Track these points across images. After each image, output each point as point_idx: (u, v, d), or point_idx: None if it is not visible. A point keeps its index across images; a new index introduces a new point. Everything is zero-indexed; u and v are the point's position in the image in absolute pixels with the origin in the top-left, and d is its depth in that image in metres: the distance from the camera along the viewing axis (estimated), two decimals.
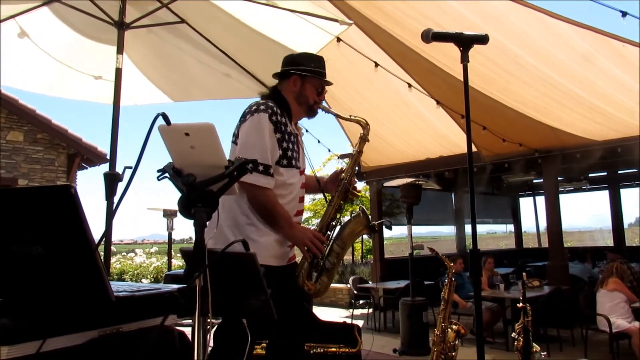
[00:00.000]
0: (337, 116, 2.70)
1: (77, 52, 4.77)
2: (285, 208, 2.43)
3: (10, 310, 1.52)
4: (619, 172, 11.61)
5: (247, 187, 2.28)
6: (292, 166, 2.47)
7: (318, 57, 2.69)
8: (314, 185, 2.76)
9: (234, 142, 2.43)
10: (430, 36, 2.19)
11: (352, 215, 2.60)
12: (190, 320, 1.54)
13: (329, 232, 2.50)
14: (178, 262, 13.14)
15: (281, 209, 2.37)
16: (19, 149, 9.69)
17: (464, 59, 2.16)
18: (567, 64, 5.15)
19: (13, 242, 1.46)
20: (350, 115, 2.73)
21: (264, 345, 2.37)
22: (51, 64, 4.72)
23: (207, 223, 1.54)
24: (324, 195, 2.69)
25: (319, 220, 2.54)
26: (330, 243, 2.48)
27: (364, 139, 2.69)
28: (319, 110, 2.66)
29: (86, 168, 11.03)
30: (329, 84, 2.68)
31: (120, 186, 1.55)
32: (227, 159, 1.60)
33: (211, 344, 3.22)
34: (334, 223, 2.53)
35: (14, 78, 4.80)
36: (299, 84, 2.58)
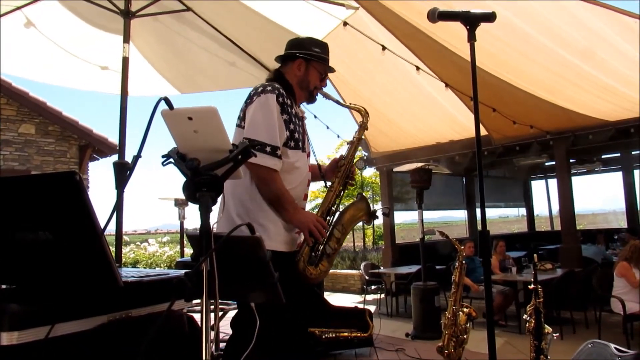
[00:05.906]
0: (338, 103, 2.69)
1: (84, 42, 4.77)
2: (295, 191, 2.42)
3: (20, 296, 1.54)
4: (633, 152, 11.42)
5: (254, 169, 2.27)
6: (299, 148, 2.44)
7: (323, 43, 2.66)
8: (316, 171, 2.73)
9: (239, 126, 2.39)
10: (437, 15, 2.15)
11: (353, 201, 2.59)
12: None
13: (328, 217, 2.49)
14: (190, 250, 13.26)
15: (287, 192, 2.34)
16: (31, 142, 9.77)
17: (471, 38, 2.12)
18: (579, 41, 5.05)
19: (22, 229, 1.47)
20: (350, 103, 2.73)
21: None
22: (58, 54, 4.72)
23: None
24: (325, 182, 2.69)
25: (320, 206, 2.53)
26: (331, 228, 2.47)
27: (363, 127, 2.68)
28: (319, 96, 2.64)
29: (98, 159, 11.10)
30: (332, 70, 2.65)
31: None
32: (232, 143, 1.59)
33: (223, 330, 3.26)
34: (333, 209, 2.52)
35: (20, 66, 4.81)
36: (303, 68, 2.55)
